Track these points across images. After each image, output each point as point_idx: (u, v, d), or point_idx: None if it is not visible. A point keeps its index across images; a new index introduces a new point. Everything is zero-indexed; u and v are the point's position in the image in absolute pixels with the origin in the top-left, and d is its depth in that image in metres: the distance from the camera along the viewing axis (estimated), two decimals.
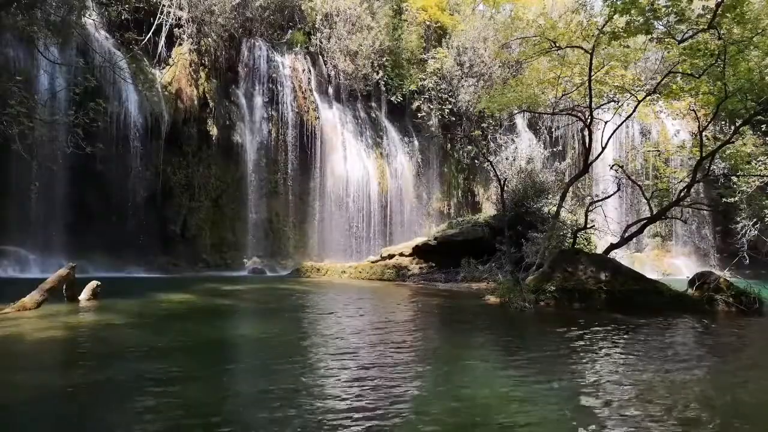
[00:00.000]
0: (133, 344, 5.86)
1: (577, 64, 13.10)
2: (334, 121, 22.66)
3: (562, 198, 13.01)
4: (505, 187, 13.66)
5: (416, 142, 25.24)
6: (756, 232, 20.70)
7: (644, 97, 12.44)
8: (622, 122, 13.82)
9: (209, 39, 19.65)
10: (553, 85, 13.76)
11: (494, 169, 14.19)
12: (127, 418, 3.50)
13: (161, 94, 18.11)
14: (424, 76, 24.69)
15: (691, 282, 10.15)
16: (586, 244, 16.05)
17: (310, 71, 22.54)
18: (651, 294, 9.68)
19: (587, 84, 11.75)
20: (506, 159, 20.32)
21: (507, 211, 13.75)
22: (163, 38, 18.72)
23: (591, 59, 11.34)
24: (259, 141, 20.52)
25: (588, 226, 13.16)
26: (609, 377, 4.79)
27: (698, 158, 11.93)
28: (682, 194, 12.30)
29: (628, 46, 11.97)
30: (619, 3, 10.06)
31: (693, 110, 14.03)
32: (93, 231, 15.52)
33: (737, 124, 12.16)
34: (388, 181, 23.56)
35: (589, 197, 20.58)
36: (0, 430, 3.31)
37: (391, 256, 17.75)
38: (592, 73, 11.58)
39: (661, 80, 12.18)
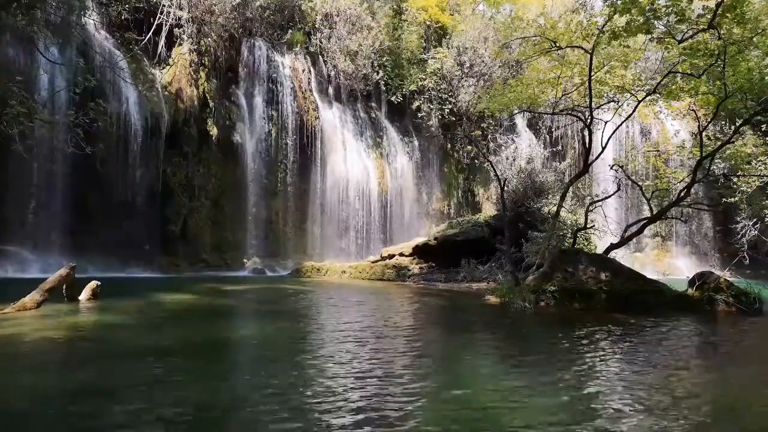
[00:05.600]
0: (133, 344, 5.85)
1: (577, 64, 13.08)
2: (334, 121, 22.67)
3: (562, 198, 12.99)
4: (505, 187, 13.66)
5: (416, 142, 25.24)
6: (756, 232, 20.71)
7: (644, 97, 12.42)
8: (622, 122, 13.80)
9: (209, 39, 19.65)
10: (553, 85, 13.74)
11: (494, 169, 14.18)
12: (127, 418, 3.49)
13: (161, 94, 18.11)
14: (424, 76, 24.69)
15: (691, 282, 10.14)
16: (586, 244, 16.04)
17: (310, 71, 22.54)
18: (651, 294, 9.67)
19: (587, 84, 11.73)
20: (506, 159, 20.30)
21: (507, 211, 13.74)
22: (163, 38, 18.73)
23: (591, 59, 11.33)
24: (259, 141, 20.52)
25: (588, 226, 13.15)
26: (609, 377, 4.79)
27: (698, 158, 11.92)
28: (682, 194, 12.27)
29: (628, 46, 11.94)
30: (619, 3, 10.05)
31: (693, 110, 14.02)
32: (93, 231, 15.52)
33: (737, 124, 12.14)
34: (388, 181, 23.56)
35: (589, 197, 20.58)
36: (0, 430, 3.31)
37: (391, 256, 17.75)
38: (592, 73, 11.57)
39: (661, 80, 12.17)
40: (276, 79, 21.12)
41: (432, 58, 24.97)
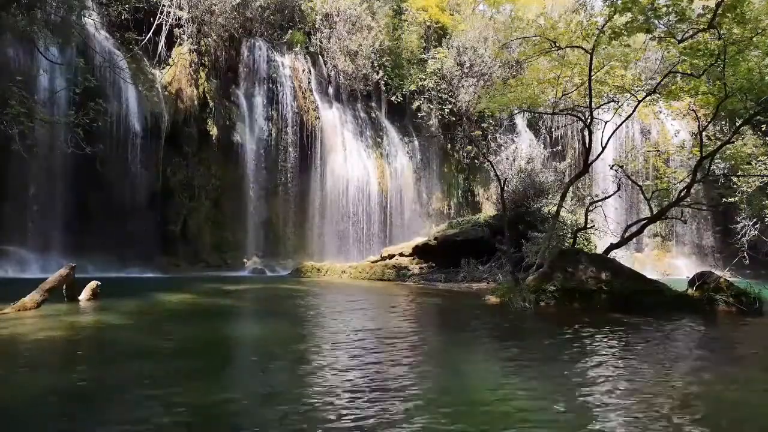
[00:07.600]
0: (133, 344, 5.85)
1: (577, 64, 13.07)
2: (334, 121, 22.65)
3: (562, 198, 12.99)
4: (505, 187, 13.65)
5: (416, 142, 25.23)
6: (756, 232, 20.71)
7: (644, 97, 12.42)
8: (622, 122, 13.79)
9: (209, 39, 19.65)
10: (553, 85, 13.73)
11: (494, 169, 14.17)
12: (127, 418, 3.49)
13: (161, 94, 18.10)
14: (424, 76, 24.67)
15: (691, 282, 10.13)
16: (586, 244, 16.04)
17: (310, 71, 22.53)
18: (651, 294, 9.66)
19: (587, 84, 11.73)
20: (506, 159, 20.29)
21: (507, 211, 13.73)
22: (163, 38, 18.72)
23: (591, 59, 11.33)
24: (259, 141, 20.52)
25: (588, 226, 13.15)
26: (610, 377, 4.79)
27: (698, 158, 11.92)
28: (682, 194, 12.28)
29: (628, 46, 11.94)
30: (619, 2, 10.04)
31: (693, 110, 14.02)
32: (93, 231, 15.50)
33: (737, 124, 12.15)
34: (388, 181, 23.55)
35: (589, 197, 20.57)
36: (0, 430, 3.31)
37: (391, 256, 17.74)
38: (592, 73, 11.57)
39: (661, 80, 12.17)
40: (276, 79, 21.12)
41: (432, 58, 24.95)
